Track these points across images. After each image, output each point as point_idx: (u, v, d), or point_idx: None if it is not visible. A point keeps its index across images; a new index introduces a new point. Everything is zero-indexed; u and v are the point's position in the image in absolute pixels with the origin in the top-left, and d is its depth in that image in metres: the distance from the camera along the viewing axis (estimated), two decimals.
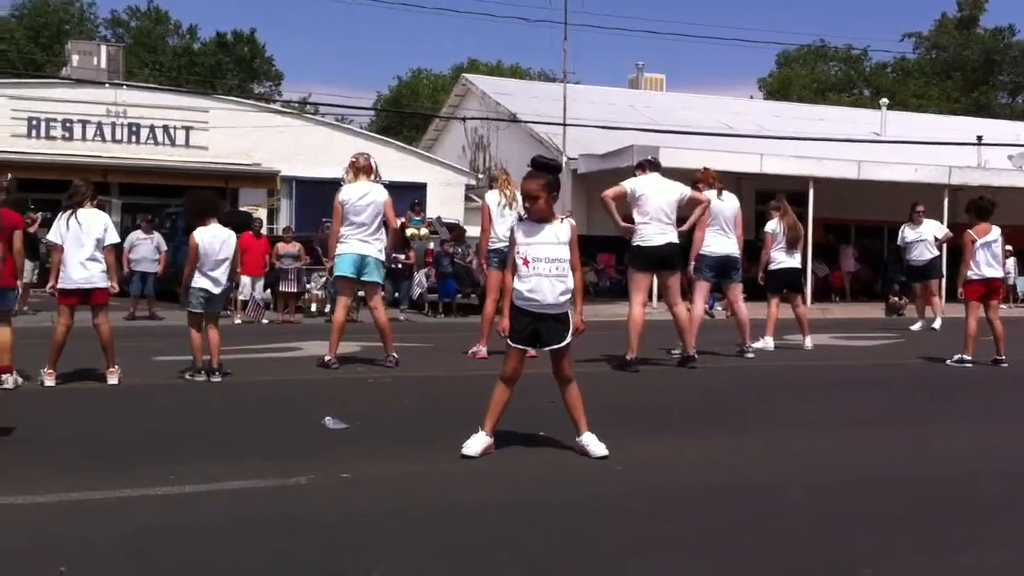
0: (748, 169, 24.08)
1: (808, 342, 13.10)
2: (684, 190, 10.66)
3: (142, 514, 4.71)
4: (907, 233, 17.48)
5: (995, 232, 11.33)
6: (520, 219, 6.12)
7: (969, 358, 11.30)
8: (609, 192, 10.39)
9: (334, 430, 6.78)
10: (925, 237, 17.22)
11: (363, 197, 10.25)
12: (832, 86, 64.93)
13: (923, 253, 17.21)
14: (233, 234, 9.50)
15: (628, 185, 10.46)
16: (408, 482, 5.45)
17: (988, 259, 11.31)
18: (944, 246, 18.27)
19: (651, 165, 10.81)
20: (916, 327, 16.96)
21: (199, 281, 9.20)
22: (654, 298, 18.21)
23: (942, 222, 24.63)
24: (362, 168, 10.44)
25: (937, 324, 16.76)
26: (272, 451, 6.16)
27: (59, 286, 8.84)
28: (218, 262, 9.24)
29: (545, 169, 6.04)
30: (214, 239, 9.25)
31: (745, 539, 4.51)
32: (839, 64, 69.15)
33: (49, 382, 8.65)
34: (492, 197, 11.23)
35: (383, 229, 10.42)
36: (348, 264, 10.30)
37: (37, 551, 4.17)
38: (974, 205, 11.57)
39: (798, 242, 13.21)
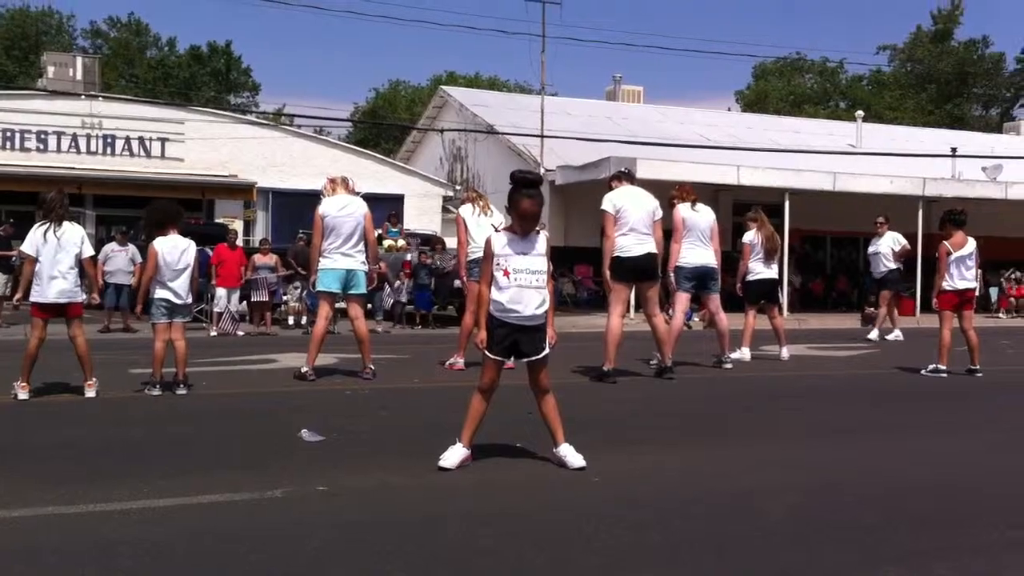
0: (725, 180, 24.19)
1: (785, 352, 13.15)
2: (658, 207, 10.64)
3: (117, 528, 4.67)
4: (869, 246, 17.73)
5: (970, 244, 11.43)
6: (496, 231, 6.09)
7: (944, 368, 11.37)
8: (609, 229, 10.35)
9: (311, 442, 6.75)
10: (881, 249, 17.41)
11: (343, 209, 10.24)
12: (808, 98, 65.38)
13: (879, 265, 17.40)
14: (193, 243, 9.40)
15: (610, 206, 10.39)
16: (386, 494, 5.43)
17: (962, 271, 11.40)
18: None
19: (627, 176, 10.83)
20: (890, 336, 17.11)
21: (160, 292, 9.15)
22: (631, 309, 18.25)
23: (916, 233, 24.86)
24: (340, 183, 10.44)
25: (895, 334, 17.00)
26: (248, 464, 6.13)
27: (34, 299, 8.75)
28: (177, 272, 9.16)
29: (532, 185, 6.01)
30: (174, 248, 9.18)
31: (724, 549, 4.51)
32: (815, 76, 69.65)
33: (23, 395, 8.57)
34: (466, 209, 11.24)
35: (364, 241, 10.40)
36: (333, 280, 10.28)
37: (10, 566, 4.12)
38: (949, 216, 11.66)
39: (775, 253, 13.28)
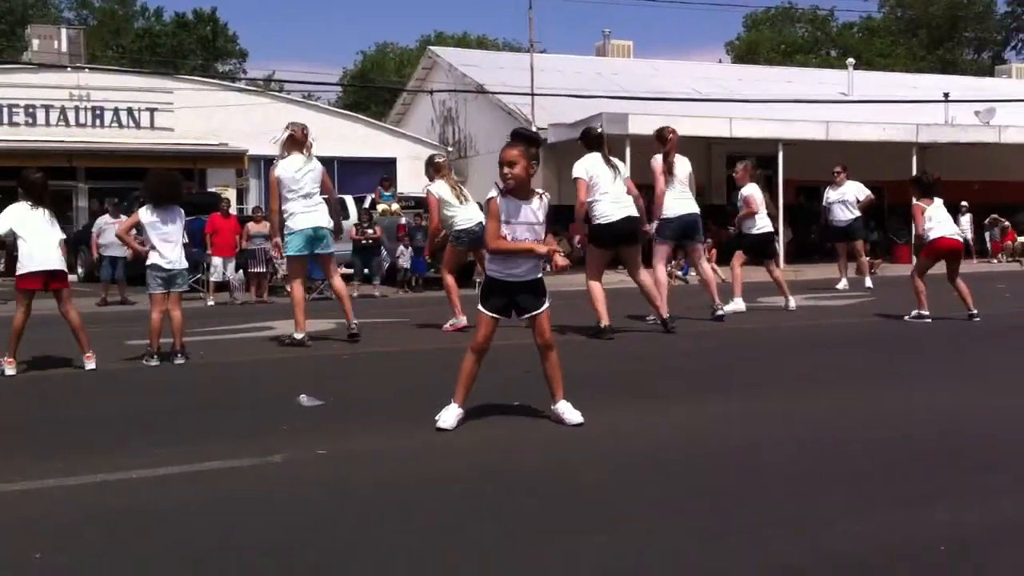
0: (717, 133, 24.13)
1: (792, 303, 13.18)
2: (622, 167, 10.56)
3: (119, 497, 4.69)
4: (829, 194, 17.54)
5: (938, 203, 11.49)
6: (500, 193, 6.02)
7: (927, 313, 11.38)
8: (582, 195, 10.28)
9: (309, 407, 6.76)
10: (847, 198, 17.24)
11: (299, 169, 10.11)
12: (799, 48, 65.02)
13: (844, 214, 17.22)
14: (182, 211, 9.33)
15: (583, 172, 10.27)
16: (386, 457, 5.45)
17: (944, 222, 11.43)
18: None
19: (594, 140, 10.57)
20: (840, 286, 17.01)
21: (153, 258, 9.12)
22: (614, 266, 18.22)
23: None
24: (299, 142, 10.27)
25: (868, 283, 16.99)
26: (248, 430, 6.15)
27: (19, 272, 8.71)
28: (168, 238, 9.11)
29: (525, 140, 6.00)
30: (162, 215, 9.09)
31: (721, 500, 4.52)
32: (806, 26, 69.25)
33: (9, 371, 8.49)
34: (442, 188, 11.14)
35: (324, 198, 10.34)
36: (301, 241, 10.15)
37: (12, 538, 4.14)
38: (916, 181, 11.70)
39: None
